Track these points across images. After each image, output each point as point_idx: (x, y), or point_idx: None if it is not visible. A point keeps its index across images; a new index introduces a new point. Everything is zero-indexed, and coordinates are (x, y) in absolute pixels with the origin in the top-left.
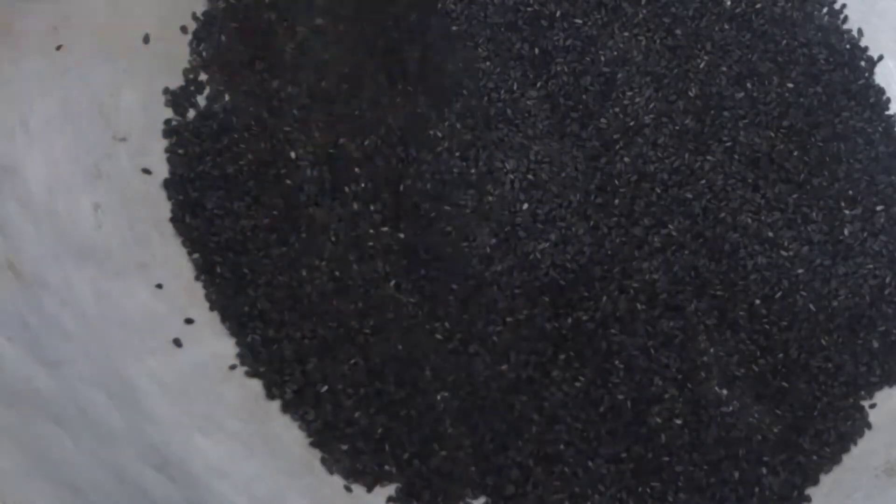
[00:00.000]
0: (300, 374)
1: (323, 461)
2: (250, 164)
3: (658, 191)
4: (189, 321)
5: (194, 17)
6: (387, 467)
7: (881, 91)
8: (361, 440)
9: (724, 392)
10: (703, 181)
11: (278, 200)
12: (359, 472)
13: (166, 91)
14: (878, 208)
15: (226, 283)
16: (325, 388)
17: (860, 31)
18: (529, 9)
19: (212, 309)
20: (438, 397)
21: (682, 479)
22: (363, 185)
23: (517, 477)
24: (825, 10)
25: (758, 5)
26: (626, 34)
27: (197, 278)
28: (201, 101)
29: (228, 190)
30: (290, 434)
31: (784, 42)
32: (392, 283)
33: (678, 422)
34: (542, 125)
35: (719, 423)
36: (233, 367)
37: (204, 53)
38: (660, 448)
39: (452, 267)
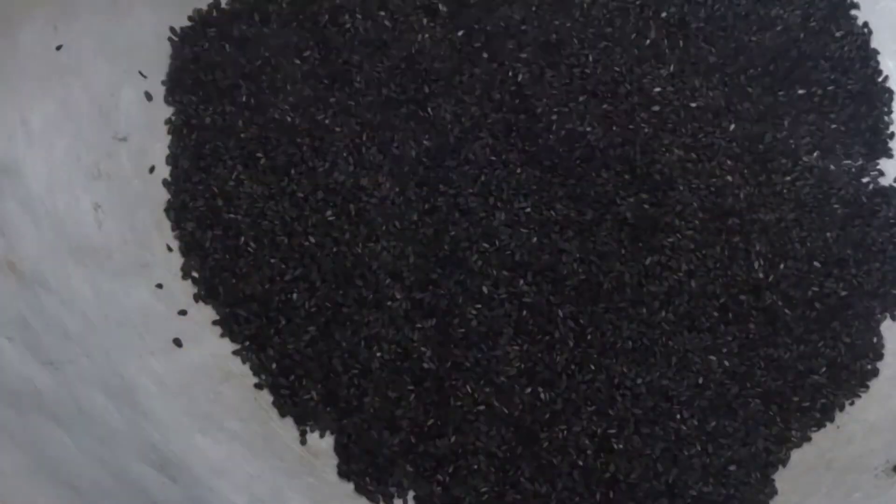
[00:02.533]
0: None
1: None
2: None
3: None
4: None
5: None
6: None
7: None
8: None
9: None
10: (702, 179)
11: (277, 200)
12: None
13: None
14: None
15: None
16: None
17: None
18: None
19: None
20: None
21: (681, 477)
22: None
23: (516, 478)
24: None
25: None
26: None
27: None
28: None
29: (228, 191)
30: (290, 434)
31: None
32: (395, 286)
33: (673, 423)
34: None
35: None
36: None
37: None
38: (657, 448)
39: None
